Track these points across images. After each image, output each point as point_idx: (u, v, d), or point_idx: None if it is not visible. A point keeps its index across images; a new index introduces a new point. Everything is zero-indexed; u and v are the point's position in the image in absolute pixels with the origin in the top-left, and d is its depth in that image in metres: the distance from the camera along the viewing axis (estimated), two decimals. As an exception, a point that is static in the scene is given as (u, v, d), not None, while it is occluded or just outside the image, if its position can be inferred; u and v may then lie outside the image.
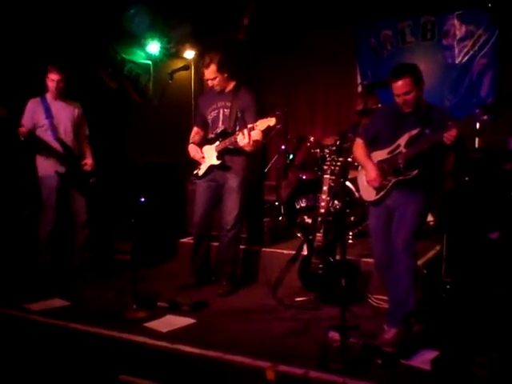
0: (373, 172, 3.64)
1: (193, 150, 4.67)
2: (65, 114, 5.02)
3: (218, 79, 4.50)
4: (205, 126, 4.77)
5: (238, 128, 4.46)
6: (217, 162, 4.55)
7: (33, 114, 4.89)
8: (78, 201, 5.05)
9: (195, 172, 4.72)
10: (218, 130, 4.56)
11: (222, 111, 4.58)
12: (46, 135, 4.88)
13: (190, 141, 4.76)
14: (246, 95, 4.54)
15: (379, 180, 3.61)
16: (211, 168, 4.61)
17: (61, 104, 5.02)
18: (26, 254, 5.20)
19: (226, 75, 4.53)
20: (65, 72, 4.93)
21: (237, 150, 4.48)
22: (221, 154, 4.53)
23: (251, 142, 4.28)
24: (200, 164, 4.68)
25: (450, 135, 3.26)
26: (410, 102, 3.48)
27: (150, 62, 7.25)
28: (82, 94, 5.22)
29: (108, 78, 6.92)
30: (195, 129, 4.84)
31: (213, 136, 4.62)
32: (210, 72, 4.47)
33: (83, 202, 5.06)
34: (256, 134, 4.33)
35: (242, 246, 5.03)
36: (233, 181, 4.57)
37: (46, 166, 4.92)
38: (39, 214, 5.01)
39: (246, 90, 4.58)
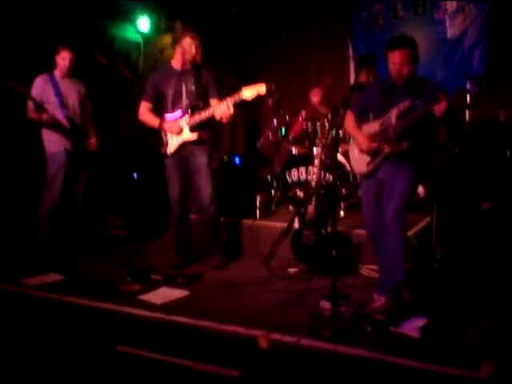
0: (361, 137, 3.69)
1: (170, 124, 4.50)
2: (73, 92, 5.05)
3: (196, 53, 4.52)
4: (157, 101, 4.63)
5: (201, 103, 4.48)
6: (193, 136, 4.48)
7: (42, 91, 4.89)
8: (80, 178, 5.09)
9: (163, 151, 4.57)
10: (184, 104, 4.51)
11: (184, 86, 4.52)
12: (56, 113, 4.89)
13: (149, 117, 4.61)
14: (207, 72, 4.58)
15: (368, 143, 3.64)
16: (183, 144, 4.53)
17: (68, 82, 5.04)
18: (24, 228, 5.22)
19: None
20: (75, 51, 4.96)
21: (204, 125, 4.48)
22: (194, 128, 4.47)
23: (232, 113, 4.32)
24: (165, 142, 4.56)
25: (440, 107, 3.28)
26: (404, 74, 3.50)
27: (140, 39, 7.19)
28: (73, 71, 5.19)
29: (99, 54, 6.88)
30: (147, 104, 4.63)
31: (177, 112, 4.52)
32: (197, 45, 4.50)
33: (83, 181, 5.11)
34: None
35: (236, 220, 5.11)
36: (202, 157, 4.54)
37: (55, 143, 4.93)
38: (38, 190, 4.99)
39: (206, 68, 4.61)
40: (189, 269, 4.61)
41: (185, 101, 4.52)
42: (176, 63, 4.57)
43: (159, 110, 4.64)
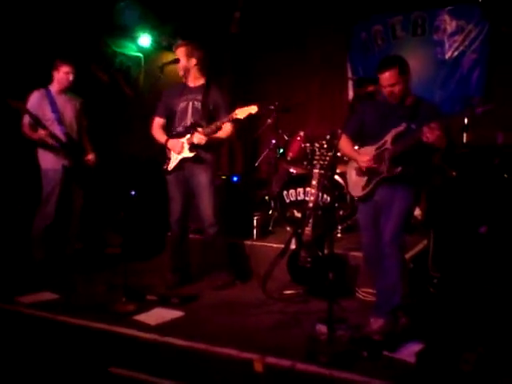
0: (360, 156, 3.69)
1: (173, 142, 4.53)
2: (69, 108, 5.01)
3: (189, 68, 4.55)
4: (168, 117, 4.68)
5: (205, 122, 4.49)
6: (190, 155, 4.48)
7: (38, 107, 4.83)
8: (77, 195, 5.03)
9: (164, 167, 4.60)
10: (188, 122, 4.53)
11: (191, 104, 4.55)
12: (53, 129, 4.83)
13: (158, 134, 4.65)
14: (217, 91, 4.58)
15: (371, 160, 3.63)
16: (182, 161, 4.53)
17: (64, 97, 5.00)
18: (19, 246, 5.15)
19: (200, 68, 4.59)
20: (75, 64, 4.94)
21: (206, 144, 4.47)
22: (193, 147, 4.47)
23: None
24: (168, 158, 4.59)
25: (431, 135, 3.29)
26: (396, 93, 3.54)
27: (141, 55, 7.23)
28: (73, 87, 5.20)
29: (100, 70, 6.90)
30: (159, 119, 4.69)
31: (181, 129, 4.54)
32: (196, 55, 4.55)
33: (81, 198, 5.05)
34: (229, 127, 4.45)
35: (232, 240, 5.06)
36: (203, 176, 4.52)
37: (51, 160, 4.87)
38: (35, 207, 4.93)
39: (218, 88, 4.62)
40: (184, 289, 4.57)
41: (190, 119, 4.54)
42: (186, 79, 4.61)
43: (169, 126, 4.68)
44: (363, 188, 3.71)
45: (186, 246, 4.82)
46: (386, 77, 3.50)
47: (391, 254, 3.56)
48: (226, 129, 4.50)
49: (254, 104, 4.29)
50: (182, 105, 4.57)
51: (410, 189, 3.63)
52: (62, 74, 4.90)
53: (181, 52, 4.55)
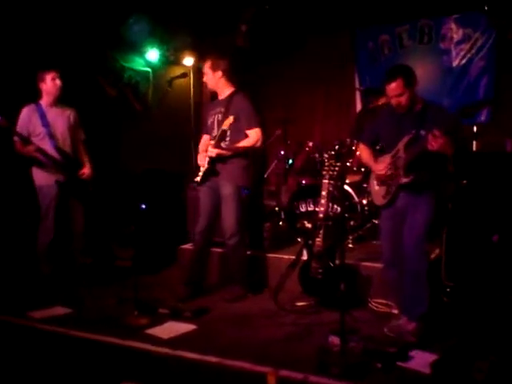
0: (377, 164, 3.77)
1: (200, 157, 4.65)
2: (61, 120, 4.90)
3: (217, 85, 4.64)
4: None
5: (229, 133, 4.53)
6: (206, 166, 4.54)
7: (28, 123, 4.76)
8: (76, 211, 4.96)
9: (195, 179, 4.67)
10: (213, 135, 4.60)
11: (216, 117, 4.61)
12: (44, 144, 4.74)
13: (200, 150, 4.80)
14: (239, 101, 4.56)
15: (386, 169, 3.68)
16: (206, 174, 4.58)
17: (56, 110, 4.90)
18: (29, 261, 5.16)
19: (228, 79, 4.63)
20: (59, 70, 4.84)
21: (228, 156, 4.51)
22: (211, 159, 4.51)
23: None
24: (200, 171, 4.66)
25: (434, 144, 3.29)
26: (403, 103, 3.58)
27: (149, 70, 7.27)
28: (80, 101, 5.22)
29: (108, 85, 6.95)
30: (205, 137, 4.81)
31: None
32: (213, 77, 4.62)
33: (81, 212, 4.98)
34: (253, 134, 4.49)
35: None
36: (226, 188, 4.54)
37: (44, 176, 4.79)
38: (38, 223, 4.91)
39: (241, 96, 4.61)
40: (196, 302, 4.56)
41: (216, 130, 4.60)
42: (217, 93, 4.71)
43: None
44: (384, 197, 3.76)
45: (206, 259, 4.82)
46: (392, 88, 3.54)
47: (415, 260, 3.59)
48: (252, 136, 4.52)
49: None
50: (211, 119, 4.67)
51: (430, 195, 3.65)
52: (50, 82, 4.79)
53: (206, 66, 4.60)
